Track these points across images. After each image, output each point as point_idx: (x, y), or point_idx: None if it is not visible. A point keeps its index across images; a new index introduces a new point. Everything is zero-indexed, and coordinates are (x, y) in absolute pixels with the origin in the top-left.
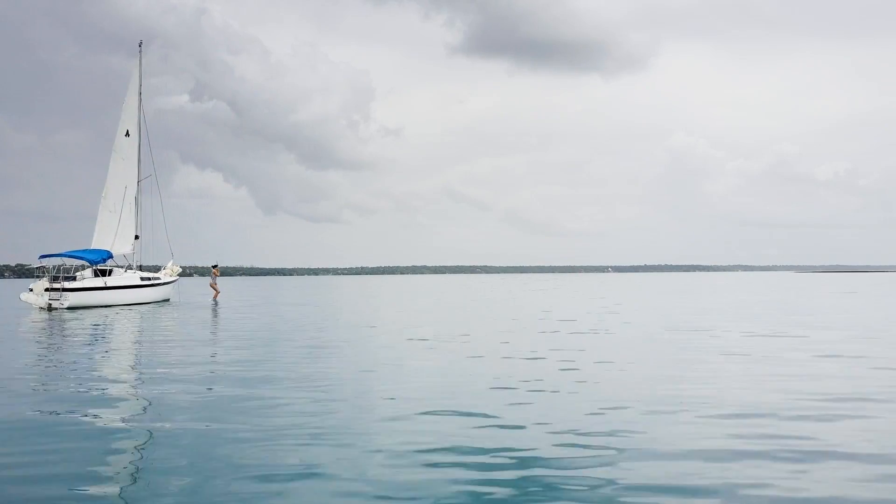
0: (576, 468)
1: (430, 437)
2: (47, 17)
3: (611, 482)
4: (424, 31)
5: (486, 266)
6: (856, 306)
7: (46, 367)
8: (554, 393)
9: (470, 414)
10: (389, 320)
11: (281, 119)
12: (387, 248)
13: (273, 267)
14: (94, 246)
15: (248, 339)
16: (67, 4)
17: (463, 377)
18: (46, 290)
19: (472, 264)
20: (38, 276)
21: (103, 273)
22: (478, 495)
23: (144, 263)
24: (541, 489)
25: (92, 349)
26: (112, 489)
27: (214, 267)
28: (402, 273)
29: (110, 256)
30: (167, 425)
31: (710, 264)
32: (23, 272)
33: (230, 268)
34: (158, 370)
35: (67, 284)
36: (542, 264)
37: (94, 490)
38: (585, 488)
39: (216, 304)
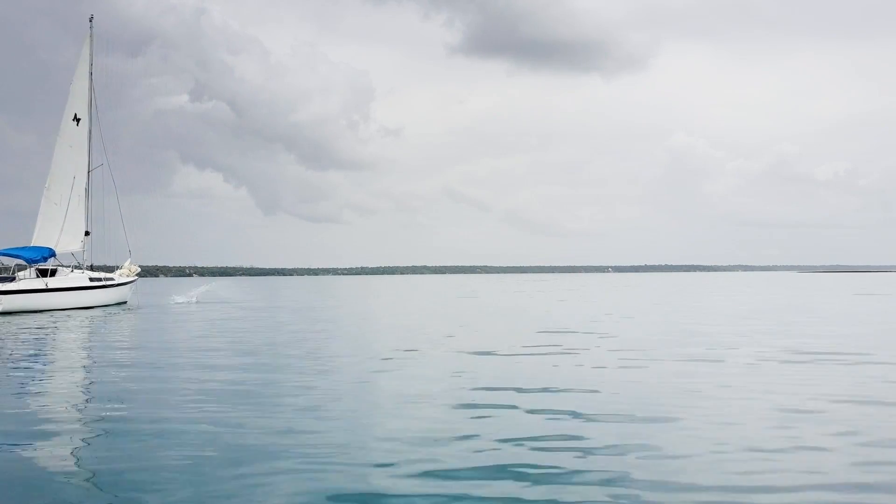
0: None
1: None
2: (47, 17)
3: None
4: (424, 31)
5: (485, 266)
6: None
7: None
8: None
9: None
10: (407, 326)
11: (281, 119)
12: (387, 249)
13: (273, 267)
14: (35, 242)
15: (204, 352)
16: (67, 5)
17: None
18: None
19: (472, 264)
20: None
21: (46, 273)
22: None
23: (97, 263)
24: None
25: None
26: None
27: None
28: (402, 273)
29: (52, 254)
30: None
31: (710, 264)
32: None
33: (230, 268)
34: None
35: (2, 286)
36: (542, 264)
37: None
38: None
39: (192, 303)
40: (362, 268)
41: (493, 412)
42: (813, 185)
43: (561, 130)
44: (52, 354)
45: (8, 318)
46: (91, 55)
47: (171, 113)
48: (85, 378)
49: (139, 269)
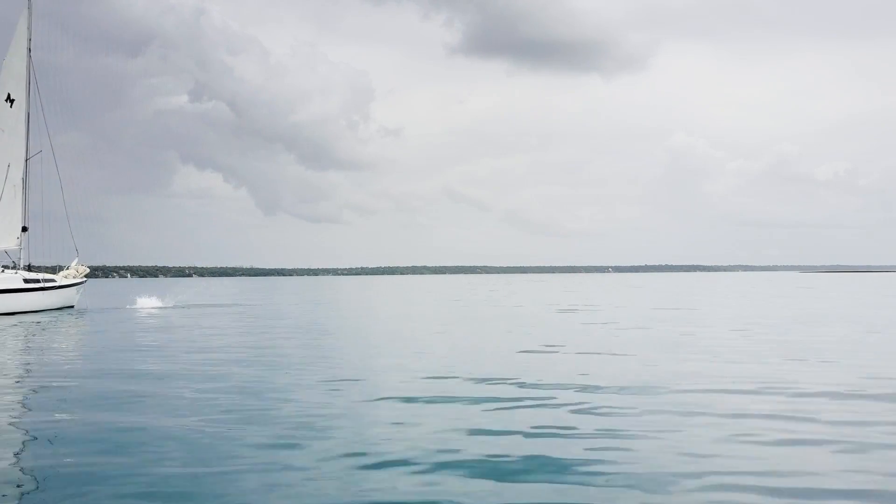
0: None
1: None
2: (46, 17)
3: None
4: (424, 31)
5: (486, 266)
6: None
7: None
8: None
9: None
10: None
11: (280, 119)
12: (387, 249)
13: (273, 267)
14: None
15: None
16: (66, 5)
17: None
18: None
19: (472, 265)
20: None
21: None
22: None
23: (37, 262)
24: None
25: None
26: None
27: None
28: (401, 273)
29: None
30: None
31: (710, 264)
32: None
33: (230, 268)
34: None
35: None
36: (542, 264)
37: None
38: None
39: (168, 307)
40: (362, 268)
41: None
42: (813, 185)
43: (561, 130)
44: None
45: None
46: (29, 29)
47: (170, 113)
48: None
49: (87, 270)
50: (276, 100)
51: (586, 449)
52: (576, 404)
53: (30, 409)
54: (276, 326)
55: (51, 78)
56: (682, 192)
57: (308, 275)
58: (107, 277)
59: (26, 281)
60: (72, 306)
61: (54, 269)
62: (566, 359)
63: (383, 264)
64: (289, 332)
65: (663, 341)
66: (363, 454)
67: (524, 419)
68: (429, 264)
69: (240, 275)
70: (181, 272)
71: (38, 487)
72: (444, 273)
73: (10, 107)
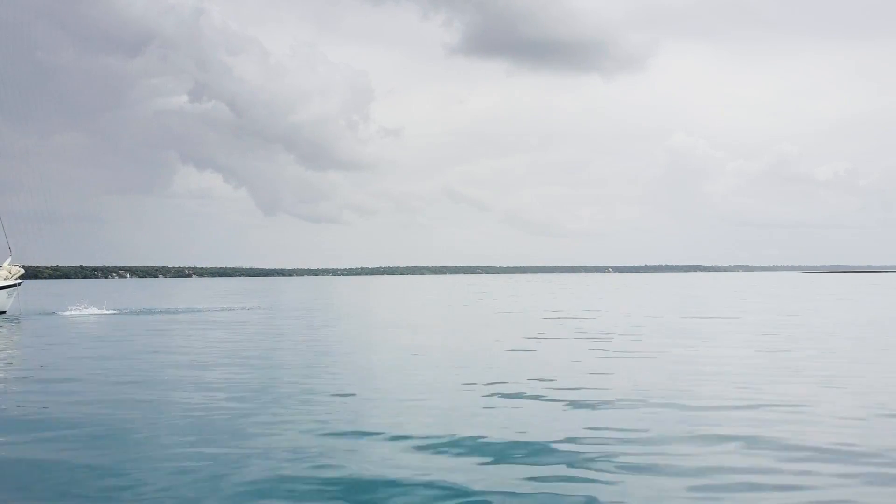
0: None
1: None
2: (46, 17)
3: None
4: (423, 31)
5: (486, 266)
6: None
7: None
8: None
9: None
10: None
11: (280, 120)
12: (387, 249)
13: (273, 268)
14: None
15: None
16: (66, 6)
17: None
18: None
19: (472, 265)
20: None
21: None
22: None
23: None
24: None
25: None
26: None
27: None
28: (401, 274)
29: None
30: None
31: (710, 264)
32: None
33: (229, 269)
34: None
35: None
36: (542, 265)
37: None
38: None
39: (105, 314)
40: (362, 268)
41: None
42: (813, 185)
43: (561, 130)
44: None
45: None
46: None
47: (170, 113)
48: None
49: (22, 271)
50: (275, 100)
51: None
52: None
53: None
54: (195, 348)
55: (51, 78)
56: (682, 193)
57: (308, 275)
58: (106, 278)
59: None
60: (3, 312)
61: None
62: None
63: (383, 264)
64: (210, 358)
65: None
66: None
67: None
68: (429, 264)
69: (239, 275)
70: (181, 272)
71: None
72: (444, 273)
73: None
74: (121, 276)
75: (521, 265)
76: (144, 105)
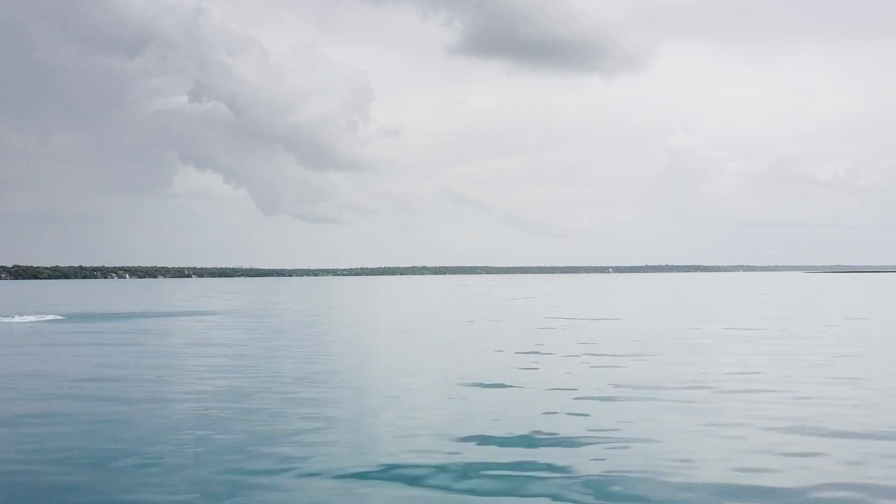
0: None
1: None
2: (46, 18)
3: None
4: (423, 31)
5: (486, 267)
6: None
7: None
8: None
9: None
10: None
11: (280, 120)
12: (387, 249)
13: (273, 268)
14: None
15: None
16: (66, 6)
17: None
18: None
19: (472, 265)
20: None
21: None
22: None
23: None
24: None
25: None
26: None
27: None
28: (402, 274)
29: None
30: None
31: (711, 265)
32: (20, 273)
33: (229, 269)
34: None
35: None
36: (542, 265)
37: None
38: None
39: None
40: (362, 268)
41: None
42: (813, 185)
43: (561, 130)
44: None
45: None
46: None
47: (170, 113)
48: None
49: None
50: (275, 100)
51: None
52: None
53: None
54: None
55: (51, 78)
56: (682, 193)
57: (308, 275)
58: (105, 278)
59: None
60: None
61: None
62: None
63: (383, 265)
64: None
65: None
66: None
67: None
68: (429, 265)
69: (239, 275)
70: (180, 273)
71: None
72: (444, 273)
73: None
74: (120, 277)
75: (521, 265)
76: (144, 105)
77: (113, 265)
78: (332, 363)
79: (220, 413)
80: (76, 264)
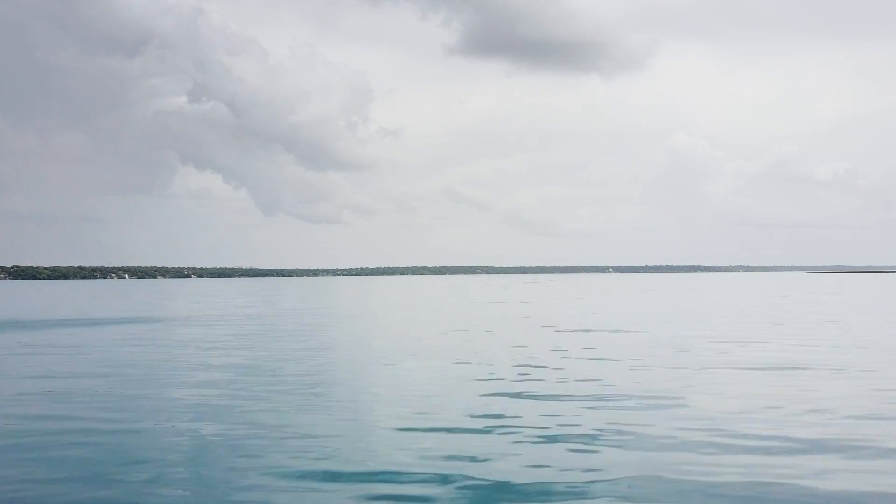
0: None
1: None
2: (45, 18)
3: None
4: (422, 31)
5: (486, 267)
6: None
7: None
8: None
9: None
10: None
11: (280, 120)
12: (387, 249)
13: (273, 268)
14: None
15: None
16: (65, 6)
17: None
18: None
19: (472, 265)
20: None
21: None
22: None
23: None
24: None
25: None
26: None
27: None
28: (401, 274)
29: None
30: None
31: (711, 265)
32: (19, 274)
33: (229, 269)
34: None
35: None
36: (542, 265)
37: None
38: None
39: None
40: (362, 268)
41: None
42: (813, 185)
43: (561, 130)
44: None
45: None
46: None
47: (170, 114)
48: None
49: None
50: (275, 100)
51: None
52: None
53: None
54: None
55: (51, 78)
56: (682, 193)
57: (308, 275)
58: (105, 278)
59: None
60: None
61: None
62: None
63: (383, 265)
64: None
65: None
66: None
67: None
68: (429, 265)
69: (239, 275)
70: (180, 273)
71: None
72: (444, 273)
73: None
74: (119, 277)
75: (521, 265)
76: (144, 105)
77: (112, 265)
78: (243, 413)
79: None
80: (76, 265)
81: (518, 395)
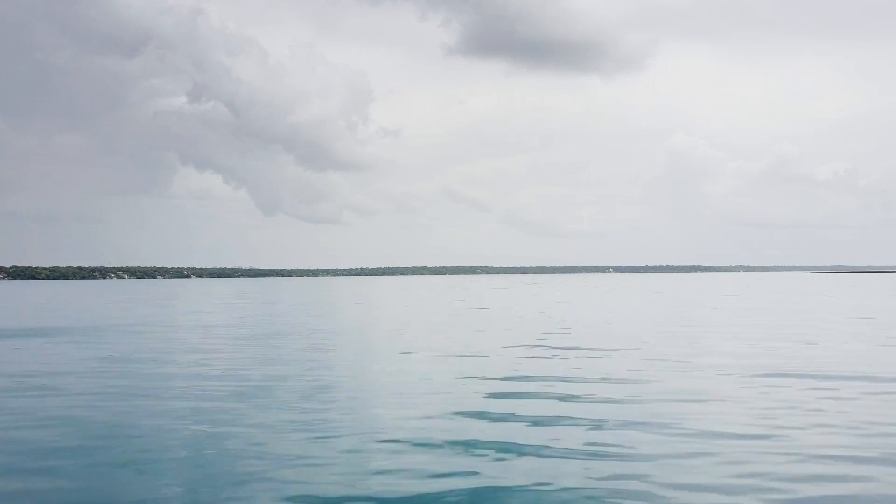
0: None
1: None
2: (45, 19)
3: None
4: (422, 31)
5: (486, 267)
6: None
7: None
8: None
9: None
10: None
11: (279, 120)
12: (387, 249)
13: (272, 268)
14: None
15: None
16: (64, 6)
17: None
18: None
19: (472, 265)
20: None
21: None
22: None
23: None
24: None
25: None
26: None
27: None
28: (401, 274)
29: None
30: None
31: (711, 265)
32: (18, 274)
33: (229, 269)
34: None
35: None
36: (542, 265)
37: None
38: None
39: None
40: (362, 269)
41: None
42: (813, 186)
43: (561, 130)
44: None
45: None
46: None
47: (169, 114)
48: None
49: None
50: (274, 101)
51: None
52: None
53: None
54: None
55: (50, 78)
56: (682, 193)
57: (308, 275)
58: (104, 279)
59: None
60: None
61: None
62: None
63: (383, 265)
64: None
65: None
66: None
67: None
68: (429, 265)
69: (239, 276)
70: (179, 273)
71: None
72: (444, 273)
73: None
74: (119, 277)
75: (521, 265)
76: (144, 106)
77: (113, 266)
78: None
79: None
80: (75, 265)
81: None
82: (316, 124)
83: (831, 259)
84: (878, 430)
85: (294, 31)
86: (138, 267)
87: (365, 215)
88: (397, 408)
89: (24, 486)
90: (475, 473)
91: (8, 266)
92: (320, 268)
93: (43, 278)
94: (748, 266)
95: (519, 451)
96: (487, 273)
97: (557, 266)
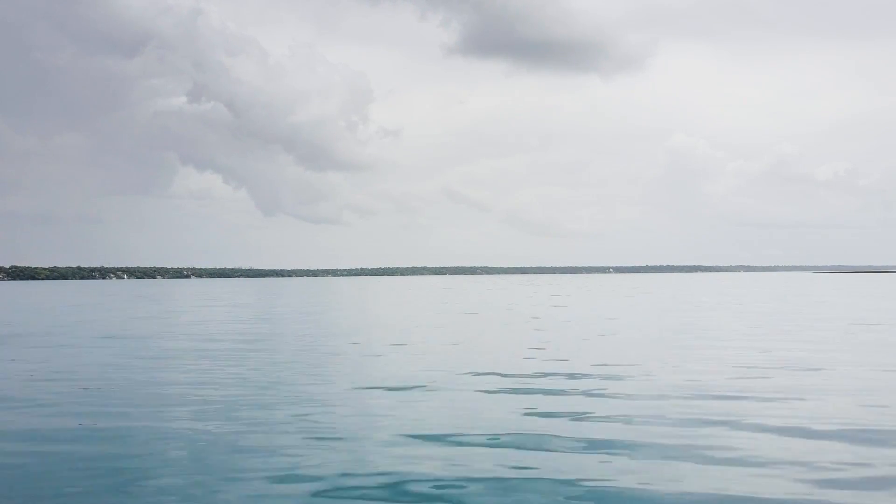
0: None
1: None
2: (45, 19)
3: None
4: (422, 31)
5: (486, 267)
6: None
7: None
8: None
9: None
10: None
11: (279, 120)
12: (387, 250)
13: (272, 268)
14: None
15: None
16: (64, 7)
17: None
18: None
19: (472, 265)
20: None
21: None
22: None
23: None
24: None
25: None
26: None
27: None
28: (401, 274)
29: None
30: None
31: (711, 265)
32: (17, 274)
33: (229, 269)
34: None
35: None
36: (542, 265)
37: None
38: None
39: None
40: (362, 269)
41: None
42: (813, 186)
43: (561, 130)
44: None
45: None
46: None
47: (169, 114)
48: None
49: None
50: (274, 101)
51: None
52: None
53: None
54: None
55: (50, 78)
56: (682, 193)
57: (307, 276)
58: (104, 279)
59: None
60: None
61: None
62: None
63: (383, 265)
64: None
65: None
66: None
67: None
68: (429, 265)
69: (239, 276)
70: (179, 273)
71: None
72: (444, 274)
73: None
74: (118, 277)
75: (521, 265)
76: (143, 106)
77: (112, 266)
78: None
79: None
80: (75, 265)
81: None
82: (316, 124)
83: (831, 259)
84: None
85: (294, 32)
86: (138, 267)
87: (365, 215)
88: (397, 408)
89: None
90: (475, 473)
91: (7, 266)
92: (320, 268)
93: (42, 279)
94: (748, 266)
95: (513, 443)
96: (487, 273)
97: (557, 266)
